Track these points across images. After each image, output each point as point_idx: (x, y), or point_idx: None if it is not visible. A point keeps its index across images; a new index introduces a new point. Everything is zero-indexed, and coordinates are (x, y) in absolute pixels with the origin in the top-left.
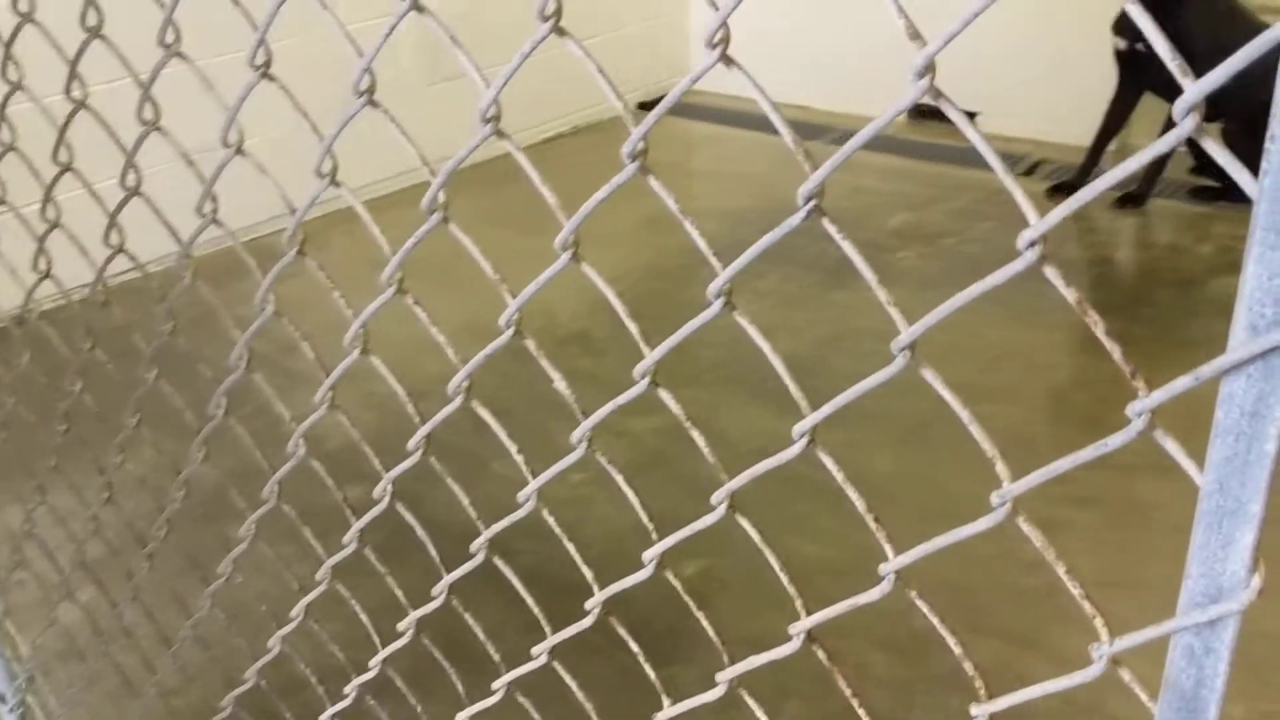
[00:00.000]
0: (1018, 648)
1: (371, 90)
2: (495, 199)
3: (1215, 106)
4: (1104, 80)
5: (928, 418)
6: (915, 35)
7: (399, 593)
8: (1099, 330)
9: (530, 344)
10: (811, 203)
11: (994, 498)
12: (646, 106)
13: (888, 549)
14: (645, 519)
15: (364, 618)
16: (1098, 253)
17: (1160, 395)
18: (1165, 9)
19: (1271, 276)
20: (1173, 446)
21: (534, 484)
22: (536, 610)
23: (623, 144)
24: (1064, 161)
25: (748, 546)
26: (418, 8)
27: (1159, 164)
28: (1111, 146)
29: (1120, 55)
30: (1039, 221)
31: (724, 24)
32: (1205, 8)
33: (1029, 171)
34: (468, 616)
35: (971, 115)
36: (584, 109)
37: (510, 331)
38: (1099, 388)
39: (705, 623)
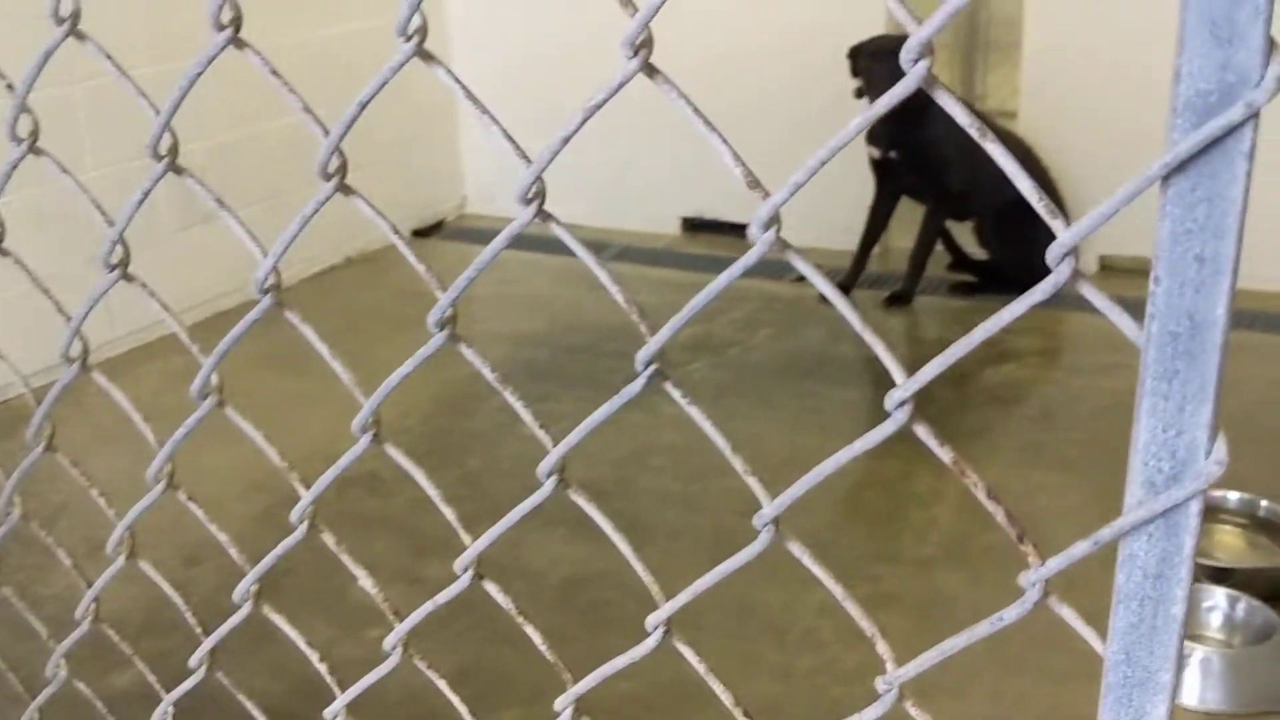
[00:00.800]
0: None
1: (125, 264)
2: (258, 337)
3: (966, 208)
4: (863, 186)
5: (732, 530)
6: (754, 184)
7: None
8: (979, 492)
9: (329, 538)
10: (652, 367)
11: (880, 684)
12: (422, 234)
13: None
14: None
15: None
16: (874, 352)
17: (1056, 563)
18: (913, 119)
19: (1166, 429)
20: (1070, 615)
21: (341, 700)
22: None
23: (397, 274)
24: (831, 266)
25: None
26: (176, 169)
27: (921, 264)
28: (876, 249)
29: (875, 163)
30: (907, 381)
31: (538, 178)
32: (949, 115)
33: (800, 278)
34: None
35: (743, 227)
36: (357, 239)
37: (304, 526)
38: (888, 487)
39: None
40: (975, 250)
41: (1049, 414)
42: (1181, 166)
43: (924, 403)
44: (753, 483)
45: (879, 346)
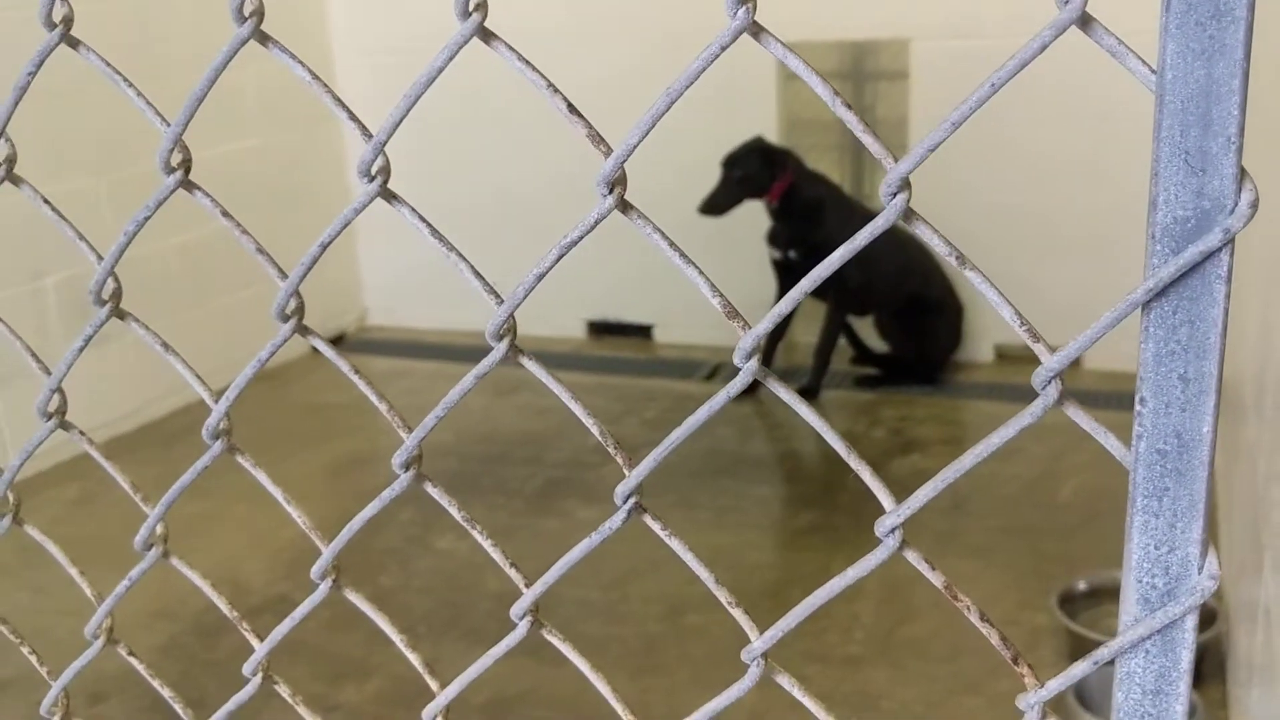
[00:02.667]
0: None
1: (62, 411)
2: (153, 463)
3: (865, 303)
4: (764, 286)
5: (657, 639)
6: (733, 315)
7: None
8: (972, 616)
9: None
10: (632, 500)
11: None
12: None
13: None
14: None
15: None
16: (786, 447)
17: (1056, 685)
18: (810, 221)
19: (1158, 546)
20: None
21: None
22: None
23: (299, 388)
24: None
25: None
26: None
27: (825, 358)
28: (780, 345)
29: (776, 263)
30: (898, 507)
31: (510, 316)
32: (843, 214)
33: (710, 375)
34: None
35: (648, 328)
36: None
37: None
38: (813, 581)
39: None
40: (877, 343)
41: (959, 503)
42: (1163, 291)
43: (837, 491)
44: (739, 614)
45: (865, 472)
